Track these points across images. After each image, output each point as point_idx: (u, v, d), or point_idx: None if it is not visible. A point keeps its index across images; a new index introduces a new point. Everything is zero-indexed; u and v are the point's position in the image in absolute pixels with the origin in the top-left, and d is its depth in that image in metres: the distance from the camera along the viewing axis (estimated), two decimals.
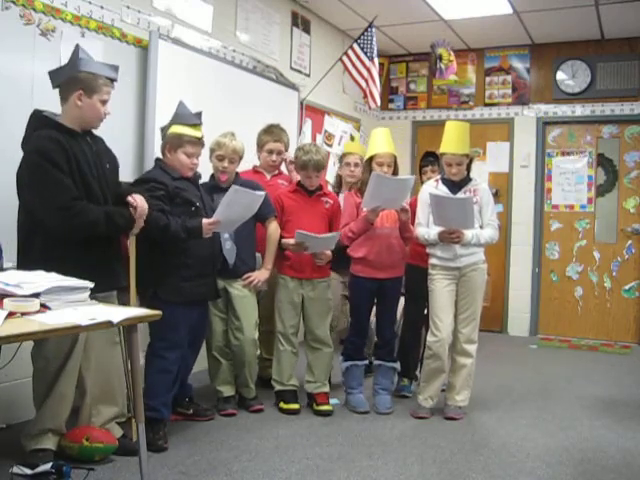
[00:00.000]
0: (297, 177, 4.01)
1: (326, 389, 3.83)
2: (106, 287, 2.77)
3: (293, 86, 5.38)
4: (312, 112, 5.67)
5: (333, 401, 3.86)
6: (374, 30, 5.17)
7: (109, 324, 2.23)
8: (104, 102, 2.80)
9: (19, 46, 3.19)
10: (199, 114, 3.30)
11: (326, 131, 5.93)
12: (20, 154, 2.71)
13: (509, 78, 6.68)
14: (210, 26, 4.50)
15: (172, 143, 3.24)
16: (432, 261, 3.74)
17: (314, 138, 5.60)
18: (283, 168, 4.24)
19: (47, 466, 2.59)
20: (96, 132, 2.90)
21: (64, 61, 3.20)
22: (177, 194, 3.20)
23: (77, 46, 2.80)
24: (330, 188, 4.50)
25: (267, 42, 5.17)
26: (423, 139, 6.93)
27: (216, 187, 3.58)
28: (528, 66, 6.61)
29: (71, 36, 3.40)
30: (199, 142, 3.28)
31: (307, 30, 5.74)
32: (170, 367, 3.21)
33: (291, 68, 5.51)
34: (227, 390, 3.70)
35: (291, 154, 4.14)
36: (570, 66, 6.40)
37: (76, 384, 2.86)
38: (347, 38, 6.22)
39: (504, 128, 6.71)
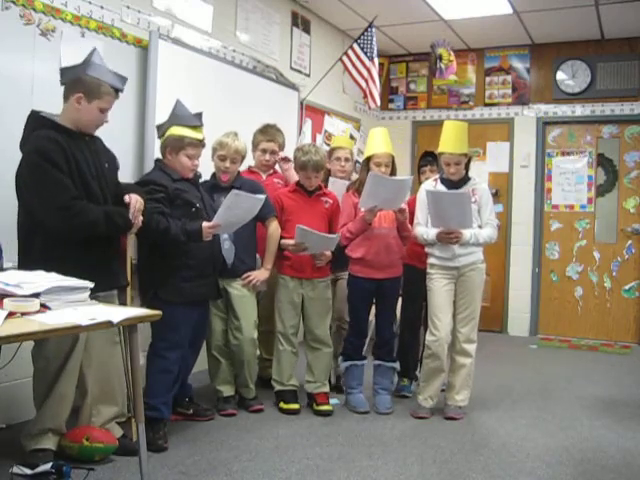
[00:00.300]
0: (291, 176, 4.01)
1: (326, 389, 3.83)
2: (106, 287, 2.77)
3: (293, 86, 5.38)
4: (312, 112, 5.66)
5: (333, 401, 3.87)
6: (374, 30, 5.17)
7: (109, 324, 2.23)
8: (103, 110, 2.79)
9: (19, 46, 3.19)
10: (200, 115, 3.29)
11: (326, 131, 5.94)
12: (20, 154, 2.70)
13: (509, 78, 6.67)
14: (210, 26, 4.50)
15: (173, 145, 3.23)
16: (430, 260, 3.74)
17: (314, 138, 5.60)
18: (277, 168, 4.24)
19: (47, 466, 2.59)
20: (96, 132, 2.89)
21: (64, 61, 3.21)
22: (177, 196, 3.20)
23: (94, 49, 2.82)
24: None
25: (267, 42, 5.17)
26: (423, 139, 6.92)
27: (217, 186, 3.59)
28: (528, 66, 6.60)
29: (71, 36, 3.41)
30: (200, 144, 3.28)
31: (307, 30, 5.74)
32: (171, 367, 3.22)
33: (291, 68, 5.51)
34: (227, 390, 3.70)
35: (287, 154, 4.14)
36: (570, 66, 6.40)
37: (77, 384, 2.86)
38: (347, 38, 6.22)
39: (504, 128, 6.71)
